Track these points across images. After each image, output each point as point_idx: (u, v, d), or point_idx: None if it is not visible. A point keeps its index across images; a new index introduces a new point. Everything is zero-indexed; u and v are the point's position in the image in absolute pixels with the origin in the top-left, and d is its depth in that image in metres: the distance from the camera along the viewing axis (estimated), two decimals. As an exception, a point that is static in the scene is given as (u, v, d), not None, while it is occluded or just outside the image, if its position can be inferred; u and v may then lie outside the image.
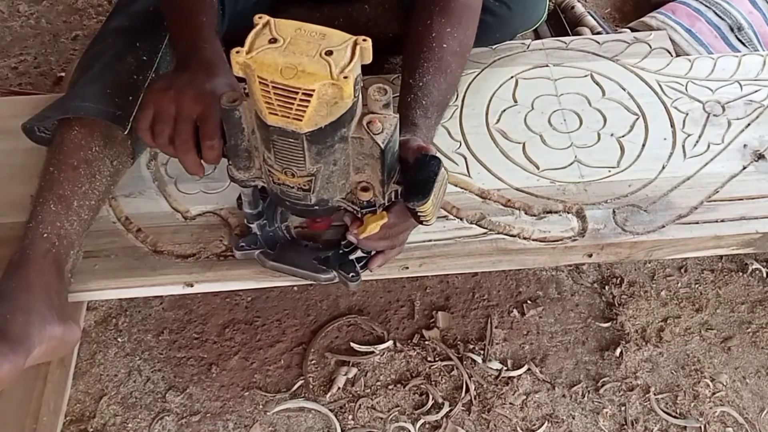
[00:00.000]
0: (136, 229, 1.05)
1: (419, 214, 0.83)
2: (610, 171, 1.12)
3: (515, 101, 1.21)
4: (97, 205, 1.00)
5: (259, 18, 0.76)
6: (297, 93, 0.72)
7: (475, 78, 1.25)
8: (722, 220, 1.06)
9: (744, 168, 1.12)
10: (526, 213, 1.07)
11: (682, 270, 1.35)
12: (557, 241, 1.04)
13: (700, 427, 1.17)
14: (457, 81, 1.05)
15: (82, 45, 1.71)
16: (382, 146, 0.80)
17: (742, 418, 1.18)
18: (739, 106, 1.20)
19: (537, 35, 1.49)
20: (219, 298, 1.30)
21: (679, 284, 1.33)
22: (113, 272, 1.01)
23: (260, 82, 0.73)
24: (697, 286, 1.33)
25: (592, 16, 1.61)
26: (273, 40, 0.74)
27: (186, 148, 0.87)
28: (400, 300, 1.31)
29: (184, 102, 0.86)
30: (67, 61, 1.67)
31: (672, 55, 1.30)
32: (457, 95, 1.21)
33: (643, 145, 1.15)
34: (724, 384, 1.21)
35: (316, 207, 0.86)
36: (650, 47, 1.31)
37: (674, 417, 1.18)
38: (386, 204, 0.87)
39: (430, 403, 1.19)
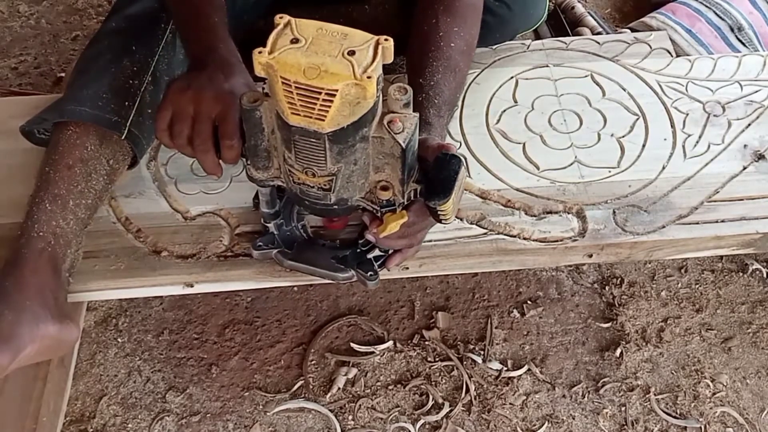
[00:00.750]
0: (136, 229, 1.05)
1: (439, 212, 0.83)
2: (610, 171, 1.12)
3: (515, 101, 1.21)
4: (94, 203, 1.00)
5: (280, 18, 0.76)
6: (320, 93, 0.72)
7: (475, 78, 1.24)
8: (722, 221, 1.06)
9: (744, 168, 1.12)
10: (526, 213, 1.07)
11: (683, 270, 1.35)
12: (557, 241, 1.04)
13: (701, 428, 1.17)
14: (464, 80, 1.05)
15: (82, 45, 1.71)
16: (404, 145, 0.80)
17: (743, 419, 1.18)
18: (740, 107, 1.20)
19: (537, 35, 1.49)
20: (219, 299, 1.30)
21: (680, 284, 1.33)
22: (113, 272, 1.01)
23: (283, 83, 0.73)
24: (697, 286, 1.33)
25: (592, 17, 1.61)
26: (295, 40, 0.74)
27: (205, 148, 0.87)
28: (400, 300, 1.31)
29: (203, 102, 0.86)
30: (67, 62, 1.67)
31: (672, 56, 1.30)
32: (457, 95, 1.21)
33: (644, 146, 1.15)
34: (725, 384, 1.21)
35: (336, 206, 0.87)
36: (650, 47, 1.31)
37: (674, 417, 1.18)
38: (405, 203, 0.87)
39: (430, 403, 1.19)
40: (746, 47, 1.51)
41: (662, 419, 1.17)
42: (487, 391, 1.20)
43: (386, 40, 0.74)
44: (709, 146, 1.15)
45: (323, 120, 0.74)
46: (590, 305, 1.31)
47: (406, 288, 1.32)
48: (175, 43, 1.07)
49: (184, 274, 1.01)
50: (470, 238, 1.04)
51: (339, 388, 1.20)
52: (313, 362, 1.23)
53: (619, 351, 1.24)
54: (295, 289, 1.32)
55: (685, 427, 1.17)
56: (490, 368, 1.22)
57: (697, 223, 1.06)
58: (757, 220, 1.06)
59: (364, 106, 0.76)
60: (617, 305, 1.30)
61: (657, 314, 1.29)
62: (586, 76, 1.25)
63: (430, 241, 1.02)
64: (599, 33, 1.55)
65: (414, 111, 0.95)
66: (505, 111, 1.20)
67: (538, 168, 1.12)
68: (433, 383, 1.21)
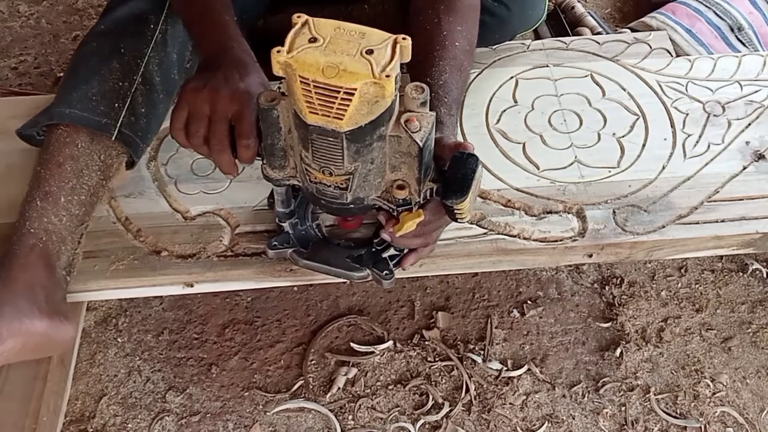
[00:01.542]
0: (136, 229, 1.05)
1: (456, 211, 0.83)
2: (610, 171, 1.12)
3: (515, 101, 1.21)
4: (88, 200, 1.00)
5: (298, 17, 0.76)
6: (339, 92, 0.72)
7: (475, 78, 1.24)
8: (722, 221, 1.06)
9: (744, 168, 1.12)
10: (526, 213, 1.07)
11: (683, 270, 1.35)
12: (557, 241, 1.04)
13: (701, 428, 1.17)
14: (468, 79, 1.05)
15: (82, 45, 1.72)
16: (421, 144, 0.80)
17: (743, 418, 1.18)
18: (739, 107, 1.20)
19: (537, 35, 1.49)
20: (219, 298, 1.30)
21: (680, 284, 1.33)
22: (113, 272, 1.01)
23: (301, 82, 0.73)
24: (697, 286, 1.33)
25: (592, 17, 1.61)
26: (313, 39, 0.74)
27: (221, 148, 0.88)
28: (400, 300, 1.31)
29: (219, 101, 0.86)
30: (67, 62, 1.67)
31: (672, 56, 1.30)
32: (457, 95, 1.21)
33: (644, 146, 1.15)
34: (725, 384, 1.21)
35: (352, 205, 0.87)
36: (650, 47, 1.31)
37: (674, 417, 1.18)
38: (421, 202, 0.87)
39: (430, 403, 1.19)
40: (746, 47, 1.51)
41: (662, 419, 1.17)
42: (487, 391, 1.20)
43: (404, 38, 0.74)
44: (709, 146, 1.15)
45: (341, 119, 0.75)
46: (590, 305, 1.31)
47: (406, 288, 1.32)
48: (166, 43, 1.06)
49: (184, 274, 1.01)
50: (470, 238, 1.04)
51: (339, 388, 1.20)
52: (313, 362, 1.23)
53: (619, 351, 1.24)
54: (295, 289, 1.32)
55: (685, 427, 1.17)
56: (490, 368, 1.22)
57: (697, 223, 1.06)
58: (757, 220, 1.06)
59: (382, 104, 0.76)
60: (617, 305, 1.30)
61: (657, 314, 1.29)
62: (586, 76, 1.25)
63: (431, 240, 1.02)
64: (599, 33, 1.55)
65: None
66: (505, 111, 1.20)
67: (538, 168, 1.12)
68: (433, 383, 1.21)
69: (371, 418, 1.18)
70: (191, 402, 1.19)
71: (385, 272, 0.96)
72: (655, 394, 1.20)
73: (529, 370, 1.22)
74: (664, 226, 1.05)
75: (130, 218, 1.06)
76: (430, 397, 1.19)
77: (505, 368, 1.22)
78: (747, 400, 1.20)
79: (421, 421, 1.17)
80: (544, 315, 1.29)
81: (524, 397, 1.20)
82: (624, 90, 1.23)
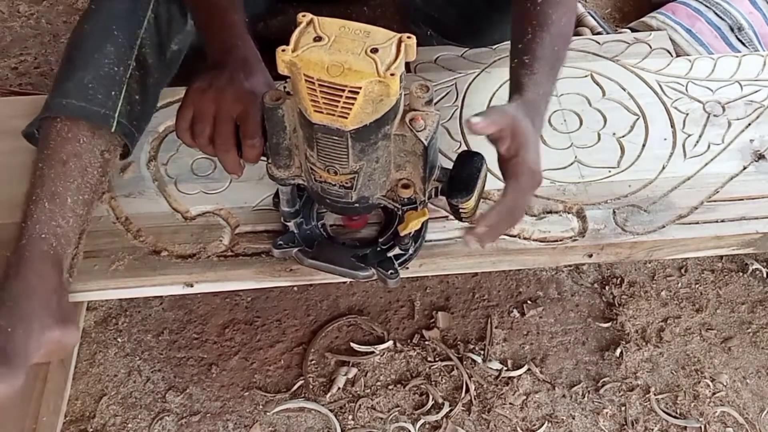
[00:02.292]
0: (136, 229, 1.05)
1: (461, 210, 0.83)
2: (610, 171, 1.12)
3: (515, 101, 1.21)
4: (90, 198, 0.98)
5: (303, 16, 0.76)
6: (343, 91, 0.73)
7: (475, 78, 1.24)
8: (722, 220, 1.06)
9: (744, 168, 1.12)
10: (526, 213, 1.07)
11: (683, 270, 1.35)
12: (557, 241, 1.04)
13: (701, 428, 1.17)
14: (564, 30, 0.99)
15: (82, 45, 1.71)
16: (426, 143, 0.80)
17: (743, 418, 1.18)
18: (740, 107, 1.20)
19: (537, 35, 1.49)
20: (219, 298, 1.30)
21: (680, 284, 1.33)
22: (113, 272, 1.01)
23: (306, 80, 0.73)
24: (697, 286, 1.33)
25: (592, 17, 1.61)
26: (318, 38, 0.74)
27: (226, 147, 0.87)
28: (400, 300, 1.31)
29: (224, 101, 0.86)
30: (67, 61, 1.67)
31: (672, 56, 1.30)
32: (458, 95, 1.21)
33: (644, 146, 1.15)
34: (725, 384, 1.21)
35: (357, 204, 0.87)
36: (650, 47, 1.31)
37: (674, 417, 1.18)
38: (426, 201, 0.87)
39: (430, 403, 1.19)
40: (746, 47, 1.51)
41: (662, 419, 1.17)
42: (487, 391, 1.20)
43: (409, 37, 0.74)
44: (709, 146, 1.15)
45: (346, 118, 0.75)
46: (590, 305, 1.31)
47: (406, 288, 1.32)
48: (159, 23, 1.04)
49: (184, 274, 1.01)
50: (470, 238, 1.04)
51: (339, 388, 1.20)
52: (313, 362, 1.24)
53: (619, 351, 1.24)
54: (295, 289, 1.32)
55: (685, 427, 1.17)
56: (490, 368, 1.22)
57: (697, 223, 1.06)
58: (757, 220, 1.06)
59: (386, 103, 0.76)
60: (617, 305, 1.30)
61: (657, 314, 1.29)
62: (586, 76, 1.25)
63: (430, 241, 1.03)
64: (599, 33, 1.55)
65: (511, 77, 0.93)
66: (505, 111, 1.20)
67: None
68: (433, 383, 1.21)
69: (371, 418, 1.18)
70: (191, 402, 1.19)
71: (390, 271, 0.96)
72: (655, 394, 1.20)
73: (529, 370, 1.22)
74: (664, 226, 1.05)
75: (130, 218, 1.06)
76: (430, 397, 1.19)
77: (505, 368, 1.22)
78: (747, 400, 1.20)
79: (421, 421, 1.17)
80: (544, 315, 1.29)
81: (524, 397, 1.20)
82: (624, 90, 1.23)
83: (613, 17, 1.80)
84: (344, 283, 1.30)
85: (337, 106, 0.74)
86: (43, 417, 1.04)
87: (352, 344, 1.25)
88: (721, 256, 1.37)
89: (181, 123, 0.89)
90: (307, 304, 1.30)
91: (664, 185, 1.10)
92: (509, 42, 1.31)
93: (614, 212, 1.07)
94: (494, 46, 1.30)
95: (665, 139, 1.16)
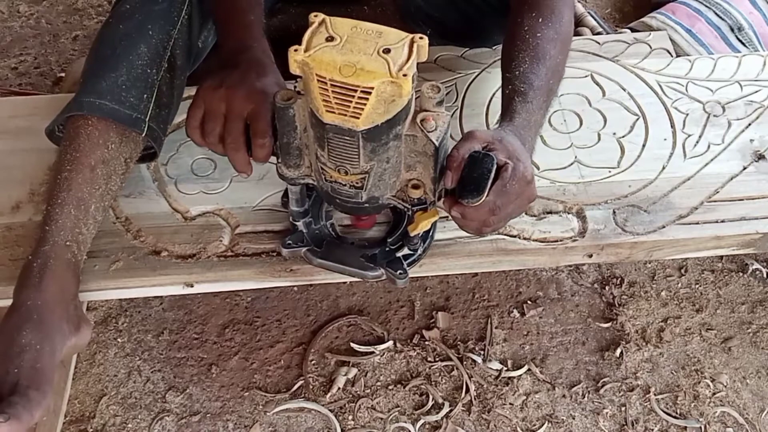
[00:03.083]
0: (136, 229, 1.05)
1: None
2: (610, 171, 1.12)
3: (515, 101, 1.21)
4: (108, 205, 0.99)
5: (315, 16, 0.76)
6: (356, 91, 0.72)
7: (475, 78, 1.24)
8: (722, 221, 1.06)
9: (744, 168, 1.12)
10: (526, 213, 1.07)
11: (683, 270, 1.35)
12: (557, 241, 1.04)
13: (701, 428, 1.17)
14: (559, 66, 1.01)
15: (82, 45, 1.72)
16: (437, 144, 0.80)
17: (743, 419, 1.18)
18: (740, 107, 1.20)
19: (537, 35, 1.49)
20: (219, 299, 1.30)
21: (680, 284, 1.33)
22: (113, 272, 1.01)
23: (318, 80, 0.73)
24: (697, 286, 1.33)
25: (592, 17, 1.61)
26: (330, 39, 0.74)
27: (236, 146, 0.87)
28: (400, 300, 1.31)
29: (235, 100, 0.86)
30: (67, 62, 1.67)
31: (672, 56, 1.30)
32: (458, 95, 1.21)
33: (644, 146, 1.15)
34: (725, 384, 1.21)
35: (367, 204, 0.87)
36: (650, 48, 1.31)
37: (674, 417, 1.18)
38: (436, 201, 0.87)
39: (430, 403, 1.19)
40: (746, 47, 1.51)
41: (662, 419, 1.17)
42: (487, 391, 1.20)
43: (421, 38, 0.74)
44: (709, 146, 1.15)
45: (358, 118, 0.75)
46: (590, 305, 1.31)
47: (406, 288, 1.32)
48: (191, 24, 1.04)
49: (184, 274, 1.01)
50: (470, 238, 1.04)
51: (339, 388, 1.20)
52: (313, 362, 1.24)
53: (619, 351, 1.24)
54: (295, 289, 1.32)
55: (685, 427, 1.17)
56: (490, 368, 1.22)
57: (697, 223, 1.06)
58: (757, 220, 1.06)
59: (398, 104, 0.76)
60: (617, 305, 1.30)
61: (657, 314, 1.29)
62: (586, 76, 1.25)
63: (430, 241, 1.03)
64: (599, 33, 1.55)
65: (503, 104, 0.93)
66: (505, 111, 1.20)
67: (538, 168, 1.12)
68: (433, 383, 1.21)
69: (371, 418, 1.18)
70: (191, 402, 1.19)
71: (399, 272, 0.96)
72: (655, 395, 1.20)
73: (529, 370, 1.22)
74: (664, 227, 1.05)
75: (130, 218, 1.06)
76: (430, 397, 1.19)
77: (505, 368, 1.22)
78: (747, 400, 1.20)
79: (421, 421, 1.17)
80: (544, 315, 1.29)
81: (524, 397, 1.20)
82: (624, 90, 1.23)
83: (613, 17, 1.80)
84: (344, 283, 1.30)
85: (349, 107, 0.74)
86: (43, 417, 1.03)
87: (352, 344, 1.25)
88: (721, 257, 1.37)
89: (191, 121, 0.89)
90: (307, 304, 1.30)
91: (664, 185, 1.10)
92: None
93: (614, 212, 1.07)
94: (494, 47, 1.30)
95: (665, 140, 1.16)
